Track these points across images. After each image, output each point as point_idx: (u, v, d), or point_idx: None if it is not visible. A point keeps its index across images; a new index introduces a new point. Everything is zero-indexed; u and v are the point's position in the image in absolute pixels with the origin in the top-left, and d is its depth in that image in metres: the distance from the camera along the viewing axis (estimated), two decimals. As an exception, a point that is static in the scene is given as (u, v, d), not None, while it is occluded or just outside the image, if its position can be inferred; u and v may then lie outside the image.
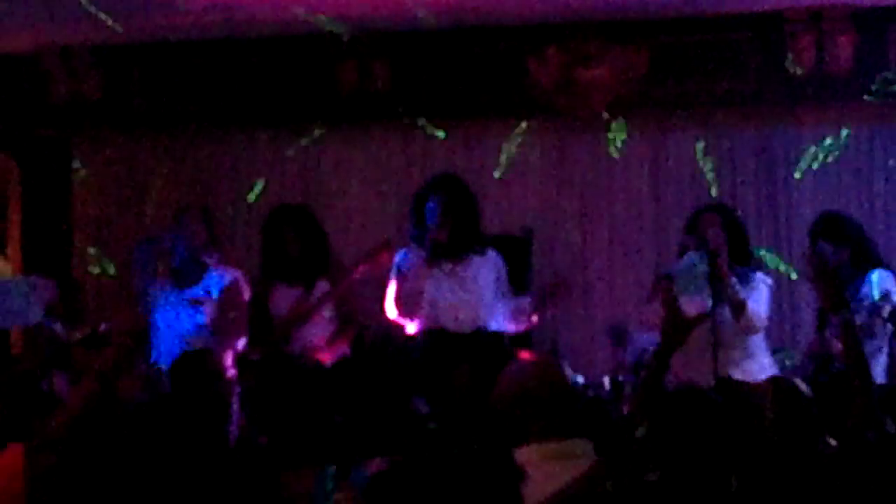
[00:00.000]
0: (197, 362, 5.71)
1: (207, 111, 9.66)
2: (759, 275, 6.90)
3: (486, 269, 7.09)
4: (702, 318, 6.52)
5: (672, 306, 4.44)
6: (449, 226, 6.99)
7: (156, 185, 9.70)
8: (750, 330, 6.79)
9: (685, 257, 6.85)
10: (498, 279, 7.13)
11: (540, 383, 4.26)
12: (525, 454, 4.11)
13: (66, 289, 7.98)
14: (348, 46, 9.41)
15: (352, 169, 9.59)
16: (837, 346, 6.36)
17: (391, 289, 7.16)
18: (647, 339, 8.38)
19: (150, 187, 9.71)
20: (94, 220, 9.84)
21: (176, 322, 7.45)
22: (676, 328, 4.42)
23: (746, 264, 6.87)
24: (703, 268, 6.67)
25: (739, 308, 6.71)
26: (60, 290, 7.43)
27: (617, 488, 3.82)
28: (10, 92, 9.70)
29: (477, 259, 7.08)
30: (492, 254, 7.15)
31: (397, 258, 7.15)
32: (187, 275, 7.52)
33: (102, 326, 7.98)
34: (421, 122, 9.42)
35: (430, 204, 7.02)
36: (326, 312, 7.45)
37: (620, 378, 7.64)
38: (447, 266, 7.04)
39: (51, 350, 6.86)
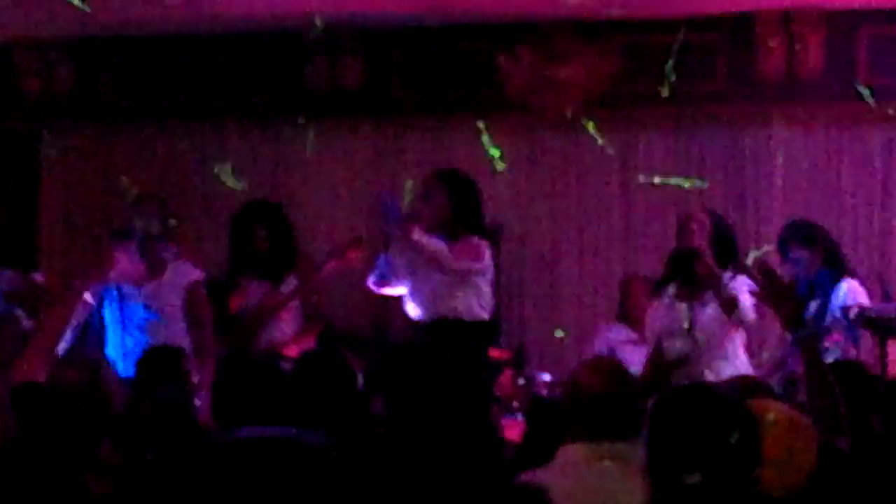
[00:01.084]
0: (168, 360, 5.71)
1: (178, 105, 9.64)
2: (742, 278, 6.87)
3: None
4: (680, 362, 6.63)
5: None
6: (433, 210, 7.05)
7: (125, 179, 9.66)
8: (743, 324, 6.83)
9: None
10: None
11: (607, 381, 4.25)
12: (575, 451, 4.14)
13: (31, 281, 7.97)
14: (320, 42, 9.39)
15: (322, 165, 9.57)
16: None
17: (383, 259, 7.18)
18: (614, 334, 8.42)
19: (119, 181, 9.67)
20: (62, 214, 9.81)
21: (130, 317, 7.35)
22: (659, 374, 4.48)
23: (734, 268, 6.89)
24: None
25: (732, 304, 6.73)
26: (25, 281, 7.45)
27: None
28: (-20, 84, 9.67)
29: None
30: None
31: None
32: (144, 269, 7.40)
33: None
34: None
35: (428, 192, 7.14)
36: (293, 308, 7.46)
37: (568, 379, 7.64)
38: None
39: (16, 340, 6.82)
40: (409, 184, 8.59)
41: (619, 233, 9.34)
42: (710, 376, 6.63)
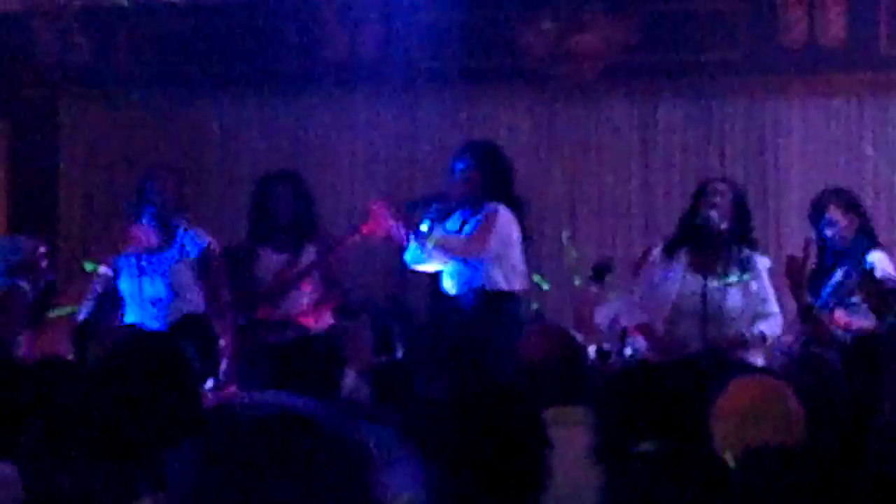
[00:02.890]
0: (198, 326, 5.71)
1: (196, 73, 9.62)
2: (757, 257, 6.83)
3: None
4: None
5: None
6: (469, 185, 7.02)
7: (143, 146, 9.66)
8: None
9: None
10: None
11: (560, 349, 4.26)
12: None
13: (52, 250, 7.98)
14: (339, 10, 9.36)
15: (341, 135, 9.56)
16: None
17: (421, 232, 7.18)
18: (619, 304, 8.39)
19: (137, 148, 9.67)
20: (81, 181, 9.81)
21: (146, 287, 7.34)
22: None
23: (750, 246, 6.80)
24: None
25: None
26: (47, 250, 7.46)
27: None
28: (-1, 51, 9.67)
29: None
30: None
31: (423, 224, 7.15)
32: (160, 240, 7.38)
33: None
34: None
35: (458, 164, 7.08)
36: (313, 280, 7.46)
37: (606, 347, 7.63)
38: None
39: (22, 312, 6.84)
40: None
41: (637, 203, 9.33)
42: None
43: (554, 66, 9.23)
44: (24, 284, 6.85)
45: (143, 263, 7.29)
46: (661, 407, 3.85)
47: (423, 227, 7.12)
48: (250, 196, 7.79)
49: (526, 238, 7.27)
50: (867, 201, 8.77)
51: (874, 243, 7.26)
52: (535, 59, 9.27)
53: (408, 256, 7.22)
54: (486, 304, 6.97)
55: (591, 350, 7.67)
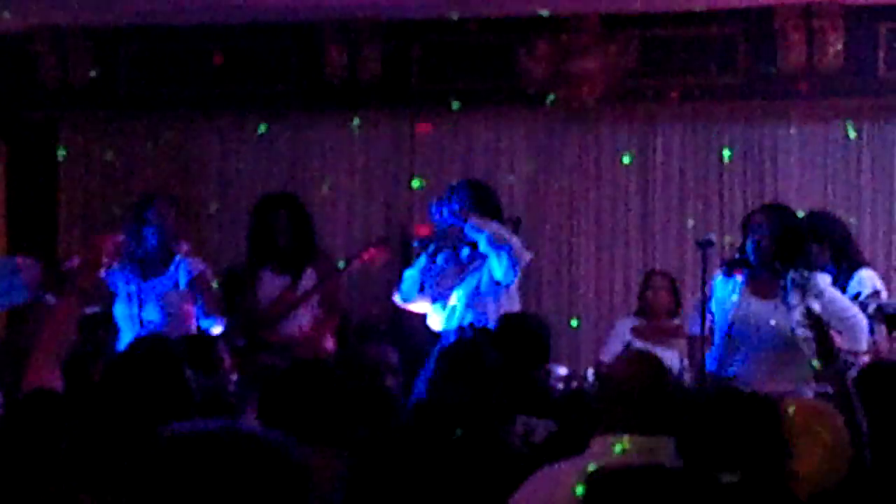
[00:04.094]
0: (203, 348, 5.70)
1: (196, 96, 9.63)
2: (818, 276, 6.69)
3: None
4: None
5: None
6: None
7: (143, 169, 9.67)
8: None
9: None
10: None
11: (643, 374, 4.24)
12: (607, 443, 4.11)
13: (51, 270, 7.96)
14: (338, 33, 9.39)
15: (340, 157, 9.58)
16: None
17: (409, 275, 7.21)
18: (629, 327, 8.41)
19: (136, 171, 9.68)
20: (80, 203, 9.81)
21: (140, 313, 7.34)
22: None
23: (808, 266, 6.66)
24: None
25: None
26: (45, 271, 7.45)
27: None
28: (-1, 73, 9.68)
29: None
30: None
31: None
32: (152, 265, 7.40)
33: (87, 310, 7.96)
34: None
35: (453, 205, 7.14)
36: (312, 302, 7.47)
37: (605, 371, 7.64)
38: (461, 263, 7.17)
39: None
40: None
41: (636, 226, 9.34)
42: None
43: (552, 90, 9.25)
44: (49, 298, 6.85)
45: (136, 289, 7.29)
46: (744, 438, 3.82)
47: (419, 264, 7.18)
48: (250, 219, 7.80)
49: None
50: (864, 225, 8.84)
51: (856, 263, 7.26)
52: (534, 82, 9.29)
53: (398, 294, 7.27)
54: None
55: (590, 373, 7.69)
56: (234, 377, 6.38)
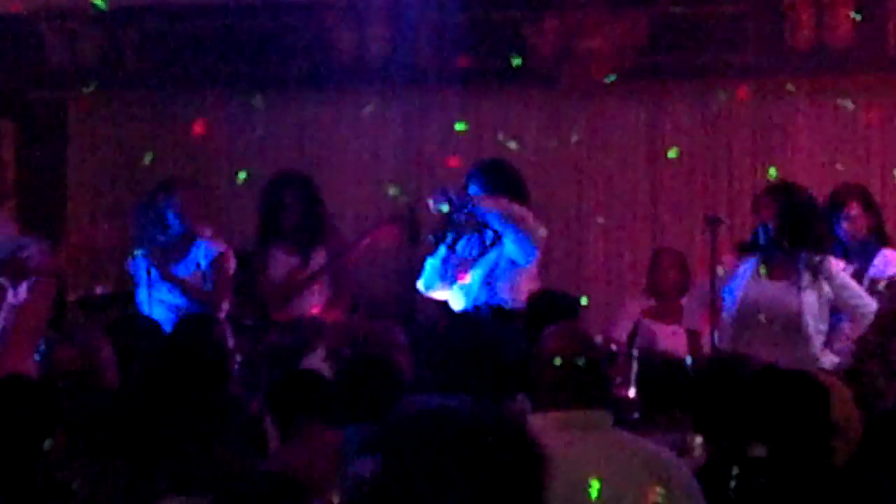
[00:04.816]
0: (201, 328, 5.71)
1: (203, 75, 9.61)
2: (831, 260, 6.69)
3: None
4: None
5: None
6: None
7: (151, 149, 9.65)
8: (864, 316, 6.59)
9: None
10: None
11: (568, 349, 4.22)
12: (544, 420, 4.08)
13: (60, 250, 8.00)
14: (346, 11, 9.37)
15: (349, 136, 9.56)
16: None
17: (433, 263, 7.19)
18: (638, 305, 8.41)
19: (145, 151, 9.66)
20: (89, 183, 9.81)
21: (164, 298, 7.35)
22: None
23: (819, 250, 6.66)
24: None
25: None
26: (54, 251, 7.48)
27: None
28: (6, 54, 9.65)
29: None
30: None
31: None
32: (174, 250, 7.41)
33: (99, 289, 7.99)
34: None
35: (473, 188, 7.13)
36: (323, 281, 7.47)
37: (613, 348, 7.63)
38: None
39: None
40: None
41: (645, 204, 9.33)
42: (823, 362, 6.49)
43: (561, 68, 9.23)
44: (4, 282, 6.86)
45: (157, 273, 7.31)
46: (772, 413, 3.83)
47: (440, 253, 7.17)
48: (260, 197, 7.80)
49: None
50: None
51: (885, 241, 7.27)
52: (543, 60, 9.27)
53: (421, 283, 7.25)
54: (503, 321, 6.96)
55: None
56: (238, 357, 6.40)
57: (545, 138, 9.35)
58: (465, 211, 7.07)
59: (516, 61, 8.46)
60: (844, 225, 7.16)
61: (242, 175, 8.10)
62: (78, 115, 9.81)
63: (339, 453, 4.51)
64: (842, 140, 9.08)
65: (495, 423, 2.65)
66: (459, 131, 8.55)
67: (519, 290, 7.08)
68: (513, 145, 8.31)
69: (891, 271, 7.05)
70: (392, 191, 8.56)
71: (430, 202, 7.13)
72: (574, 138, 9.19)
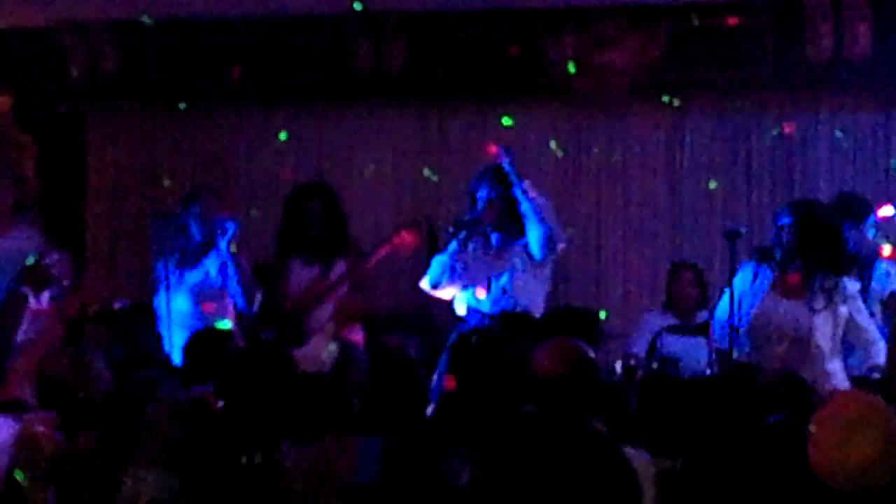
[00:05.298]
0: (216, 342, 5.71)
1: (223, 88, 9.64)
2: (847, 282, 6.58)
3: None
4: None
5: None
6: (496, 213, 7.09)
7: (171, 162, 9.69)
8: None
9: None
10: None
11: (563, 363, 4.22)
12: None
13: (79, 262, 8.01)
14: (365, 25, 9.39)
15: (367, 149, 9.57)
16: None
17: (439, 260, 7.19)
18: (659, 320, 8.38)
19: (165, 164, 9.70)
20: (108, 196, 9.83)
21: (181, 306, 7.38)
22: None
23: (835, 270, 6.54)
24: None
25: None
26: (73, 263, 7.50)
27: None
28: (27, 67, 9.69)
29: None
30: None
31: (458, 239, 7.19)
32: (192, 257, 7.45)
33: (117, 304, 8.00)
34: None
35: (481, 192, 7.12)
36: (341, 292, 7.46)
37: (632, 363, 7.62)
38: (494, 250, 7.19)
39: (19, 317, 6.87)
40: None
41: (664, 218, 9.31)
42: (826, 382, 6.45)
43: (580, 82, 9.23)
44: (26, 291, 6.87)
45: (174, 280, 7.35)
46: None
47: (450, 248, 7.17)
48: (282, 209, 7.80)
49: None
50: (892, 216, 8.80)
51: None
52: (561, 74, 9.27)
53: (426, 280, 7.24)
54: (515, 327, 6.96)
55: (618, 365, 7.66)
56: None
57: (564, 152, 9.35)
58: (514, 180, 7.07)
59: (571, 68, 8.55)
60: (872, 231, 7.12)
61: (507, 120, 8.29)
62: (98, 127, 9.83)
63: (351, 461, 4.52)
64: (861, 153, 9.05)
65: (590, 439, 2.70)
66: (507, 125, 8.66)
67: (537, 296, 7.09)
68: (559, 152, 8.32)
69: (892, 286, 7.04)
70: (426, 172, 8.59)
71: (497, 151, 7.15)
72: (595, 151, 9.20)
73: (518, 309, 7.06)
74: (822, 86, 9.01)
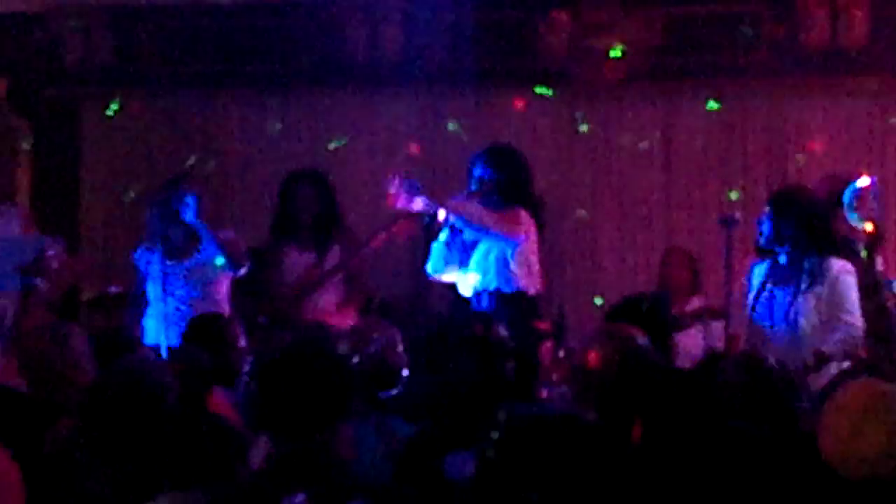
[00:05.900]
0: (213, 328, 5.71)
1: (217, 74, 9.63)
2: (832, 261, 6.52)
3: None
4: None
5: None
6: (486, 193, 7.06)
7: (164, 147, 9.67)
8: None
9: None
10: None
11: (613, 353, 4.18)
12: None
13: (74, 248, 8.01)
14: (358, 10, 9.38)
15: (361, 134, 9.57)
16: None
17: (438, 246, 7.16)
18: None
19: (158, 149, 9.69)
20: (103, 181, 9.82)
21: (174, 292, 7.35)
22: None
23: (818, 252, 6.51)
24: None
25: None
26: (68, 249, 7.50)
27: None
28: (22, 52, 9.67)
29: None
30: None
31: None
32: (183, 245, 7.39)
33: (111, 289, 7.99)
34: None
35: (477, 170, 7.09)
36: (337, 279, 7.46)
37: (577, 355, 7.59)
38: None
39: (42, 310, 6.87)
40: None
41: (659, 204, 9.32)
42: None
43: (575, 68, 9.23)
44: (40, 283, 6.87)
45: (168, 268, 7.30)
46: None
47: (443, 236, 7.15)
48: (276, 195, 7.80)
49: (543, 241, 7.30)
50: (889, 204, 8.80)
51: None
52: (556, 60, 9.26)
53: (429, 266, 7.23)
54: (504, 305, 6.96)
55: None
56: (251, 357, 6.37)
57: (559, 138, 9.35)
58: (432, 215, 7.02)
59: (615, 53, 8.58)
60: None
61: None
62: (91, 113, 9.81)
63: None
64: (856, 140, 9.06)
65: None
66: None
67: (530, 272, 7.06)
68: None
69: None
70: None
71: (397, 188, 7.08)
72: (583, 129, 9.18)
73: (511, 288, 7.03)
74: (818, 72, 9.00)
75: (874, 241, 6.61)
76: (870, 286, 6.38)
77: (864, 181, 6.91)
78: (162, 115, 9.73)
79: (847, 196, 6.87)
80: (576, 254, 9.37)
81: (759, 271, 6.66)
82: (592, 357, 4.24)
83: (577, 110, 9.38)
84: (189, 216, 7.25)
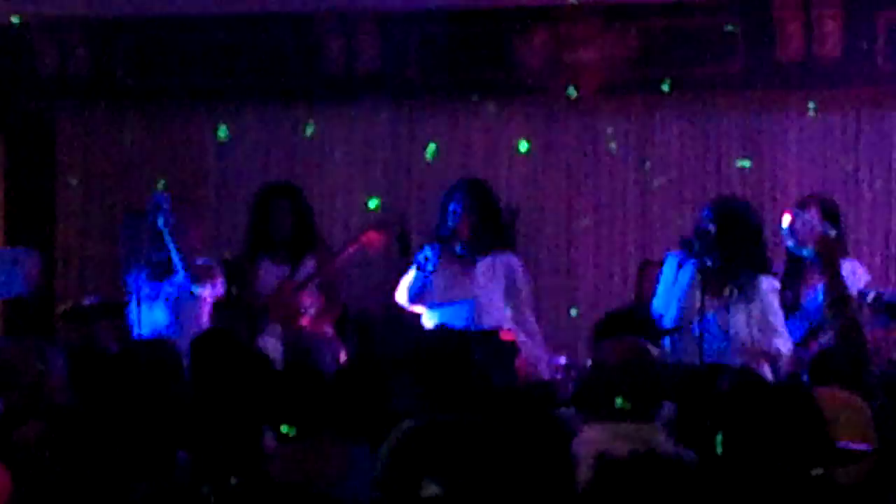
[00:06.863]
0: (223, 342, 5.71)
1: (193, 86, 9.61)
2: (763, 278, 6.60)
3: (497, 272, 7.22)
4: None
5: None
6: (467, 227, 7.16)
7: (140, 159, 9.65)
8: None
9: None
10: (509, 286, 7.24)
11: (626, 360, 4.20)
12: (594, 431, 4.08)
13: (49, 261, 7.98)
14: (336, 24, 9.38)
15: (337, 147, 9.56)
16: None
17: (408, 277, 7.24)
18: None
19: (134, 161, 9.67)
20: (77, 193, 9.79)
21: (157, 317, 7.35)
22: None
23: (749, 267, 6.55)
24: None
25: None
26: (43, 262, 7.48)
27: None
28: (-4, 63, 9.66)
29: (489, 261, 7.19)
30: (510, 259, 7.23)
31: (424, 251, 7.21)
32: (166, 266, 7.39)
33: (86, 301, 7.97)
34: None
35: (452, 205, 7.16)
36: (313, 291, 7.47)
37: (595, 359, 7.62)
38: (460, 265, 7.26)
39: None
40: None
41: (634, 216, 9.34)
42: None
43: (550, 81, 9.24)
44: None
45: (147, 289, 7.32)
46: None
47: (423, 259, 7.20)
48: (249, 208, 7.80)
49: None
50: (862, 216, 8.85)
51: (844, 252, 7.22)
52: (532, 73, 9.28)
53: (402, 296, 7.29)
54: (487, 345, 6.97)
55: (588, 362, 7.67)
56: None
57: (534, 150, 9.36)
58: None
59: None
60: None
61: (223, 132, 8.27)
62: (67, 125, 9.79)
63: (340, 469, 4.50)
64: (831, 153, 9.09)
65: None
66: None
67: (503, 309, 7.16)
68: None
69: (860, 284, 7.04)
70: (372, 203, 8.59)
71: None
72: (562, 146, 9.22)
73: (488, 326, 7.12)
74: (793, 85, 9.03)
75: (826, 257, 6.60)
76: (836, 300, 6.38)
77: (786, 220, 7.01)
78: (138, 128, 9.71)
79: (783, 229, 6.99)
80: (552, 265, 9.38)
81: (685, 272, 6.64)
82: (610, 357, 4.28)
83: (553, 123, 9.40)
84: (160, 222, 7.24)
